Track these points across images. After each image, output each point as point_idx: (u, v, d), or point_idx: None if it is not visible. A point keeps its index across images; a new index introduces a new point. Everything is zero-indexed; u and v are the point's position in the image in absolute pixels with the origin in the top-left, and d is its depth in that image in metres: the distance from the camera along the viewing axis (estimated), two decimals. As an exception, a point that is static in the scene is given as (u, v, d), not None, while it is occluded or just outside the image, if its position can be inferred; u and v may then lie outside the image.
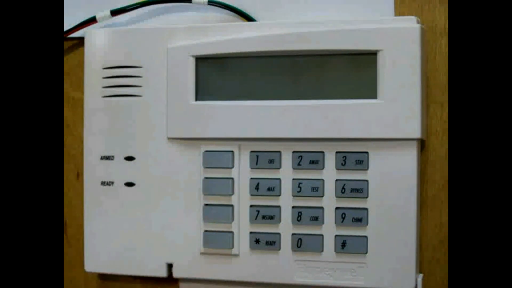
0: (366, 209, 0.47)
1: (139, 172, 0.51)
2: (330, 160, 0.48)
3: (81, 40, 0.54)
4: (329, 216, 0.48)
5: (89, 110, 0.52)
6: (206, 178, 0.50)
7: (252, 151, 0.49)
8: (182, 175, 0.50)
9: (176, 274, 0.51)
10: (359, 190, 0.47)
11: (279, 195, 0.49)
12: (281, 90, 0.48)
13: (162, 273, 0.51)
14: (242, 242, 0.49)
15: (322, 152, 0.48)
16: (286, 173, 0.48)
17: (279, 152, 0.48)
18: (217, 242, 0.49)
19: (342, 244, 0.47)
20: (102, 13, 0.53)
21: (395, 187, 0.46)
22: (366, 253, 0.47)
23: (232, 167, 0.49)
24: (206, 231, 0.50)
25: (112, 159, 0.51)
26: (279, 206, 0.49)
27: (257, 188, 0.49)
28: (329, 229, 0.48)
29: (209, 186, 0.49)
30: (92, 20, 0.53)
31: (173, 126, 0.50)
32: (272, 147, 0.49)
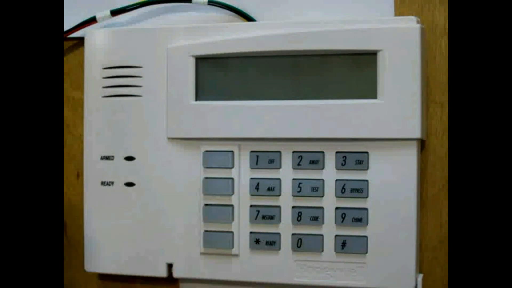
0: (366, 209, 0.47)
1: (139, 172, 0.51)
2: (330, 160, 0.48)
3: (81, 40, 0.54)
4: (329, 216, 0.48)
5: (89, 110, 0.52)
6: (206, 178, 0.50)
7: (252, 151, 0.49)
8: (182, 175, 0.50)
9: (176, 274, 0.51)
10: (359, 190, 0.47)
11: (279, 195, 0.49)
12: (281, 90, 0.48)
13: (162, 273, 0.51)
14: (242, 242, 0.49)
15: (322, 152, 0.48)
16: (286, 173, 0.48)
17: (279, 152, 0.48)
18: (217, 242, 0.49)
19: (342, 244, 0.47)
20: (102, 13, 0.53)
21: (395, 187, 0.46)
22: (366, 253, 0.47)
23: (232, 167, 0.49)
24: (206, 231, 0.50)
25: (112, 159, 0.51)
26: (279, 206, 0.49)
27: (257, 188, 0.49)
28: (329, 229, 0.48)
29: (209, 186, 0.49)
30: (92, 20, 0.53)
31: (173, 126, 0.50)
32: (272, 147, 0.49)
